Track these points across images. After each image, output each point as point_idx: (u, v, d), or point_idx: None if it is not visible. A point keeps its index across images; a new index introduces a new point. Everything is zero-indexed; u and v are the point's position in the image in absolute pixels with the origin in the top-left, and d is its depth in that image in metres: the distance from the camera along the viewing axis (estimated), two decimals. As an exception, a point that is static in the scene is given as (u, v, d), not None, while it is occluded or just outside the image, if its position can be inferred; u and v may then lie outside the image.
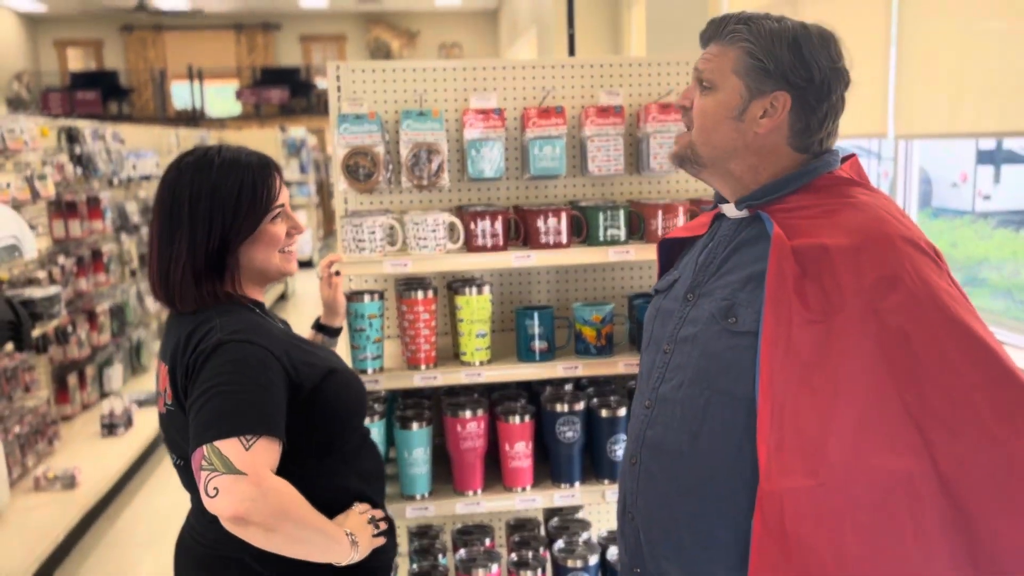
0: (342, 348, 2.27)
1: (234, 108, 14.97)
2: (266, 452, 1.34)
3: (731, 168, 1.34)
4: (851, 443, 1.16)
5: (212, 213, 1.48)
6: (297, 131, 11.75)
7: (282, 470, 1.39)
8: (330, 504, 1.48)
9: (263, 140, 9.22)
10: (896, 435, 1.15)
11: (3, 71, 13.35)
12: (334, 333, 1.96)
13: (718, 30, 1.33)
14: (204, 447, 1.31)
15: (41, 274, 4.40)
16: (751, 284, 1.29)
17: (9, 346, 3.53)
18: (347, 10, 14.94)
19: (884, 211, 1.26)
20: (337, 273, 2.00)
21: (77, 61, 15.16)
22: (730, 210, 1.39)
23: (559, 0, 8.50)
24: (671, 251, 1.61)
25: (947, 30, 3.73)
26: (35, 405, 4.29)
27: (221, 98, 15.40)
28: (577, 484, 2.21)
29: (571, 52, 2.66)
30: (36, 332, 3.84)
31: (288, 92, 14.26)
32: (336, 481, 1.53)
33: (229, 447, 1.31)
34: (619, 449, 2.20)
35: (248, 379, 1.37)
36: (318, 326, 1.96)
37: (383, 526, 1.55)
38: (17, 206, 4.21)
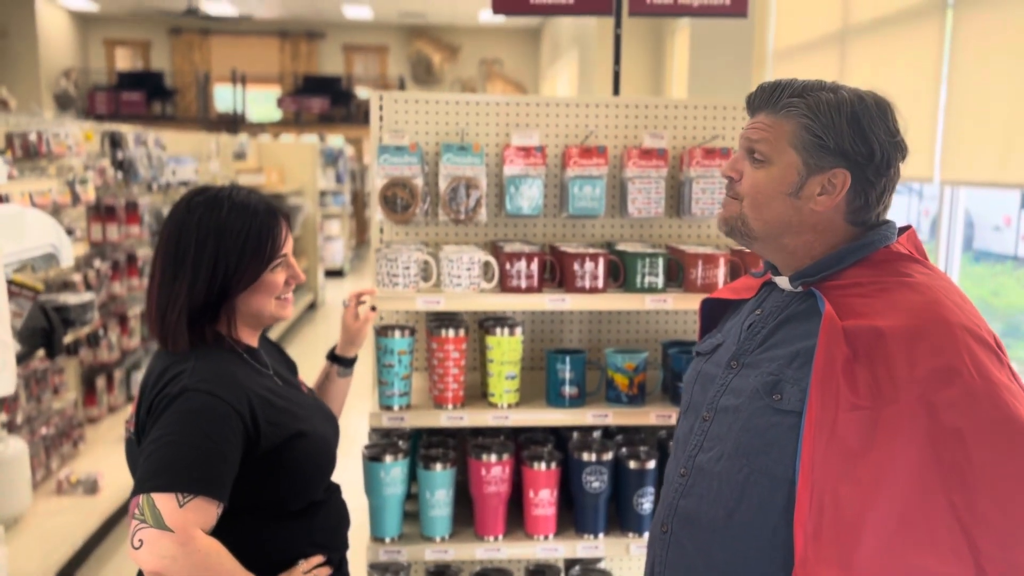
0: (366, 382, 2.24)
1: (274, 113, 15.13)
2: (200, 512, 1.33)
3: (784, 243, 1.30)
4: (890, 539, 1.11)
5: (216, 258, 1.48)
6: (335, 140, 11.83)
7: (227, 526, 1.39)
8: (276, 562, 1.48)
9: (301, 148, 9.28)
10: (940, 537, 1.09)
11: (53, 68, 13.62)
12: (349, 363, 1.90)
13: (770, 99, 1.28)
14: (141, 496, 1.32)
15: (76, 277, 4.43)
16: (798, 360, 1.24)
17: (40, 351, 3.55)
18: (391, 22, 15.06)
19: (943, 294, 1.20)
20: (373, 308, 1.98)
21: (125, 61, 15.42)
22: (783, 282, 1.35)
23: (601, 24, 8.49)
24: (713, 310, 1.57)
25: (999, 77, 3.64)
26: (62, 407, 4.32)
27: (262, 103, 15.58)
28: (601, 535, 2.16)
29: (616, 91, 2.62)
30: (68, 338, 3.87)
31: (328, 101, 14.38)
32: (282, 539, 1.51)
33: (164, 501, 1.31)
34: (646, 502, 2.15)
35: (202, 433, 1.36)
36: (332, 356, 1.90)
37: None
38: (57, 210, 4.26)
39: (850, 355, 1.17)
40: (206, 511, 1.34)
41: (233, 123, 13.57)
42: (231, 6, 13.71)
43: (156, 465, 1.33)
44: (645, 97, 2.47)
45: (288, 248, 1.57)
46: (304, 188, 8.95)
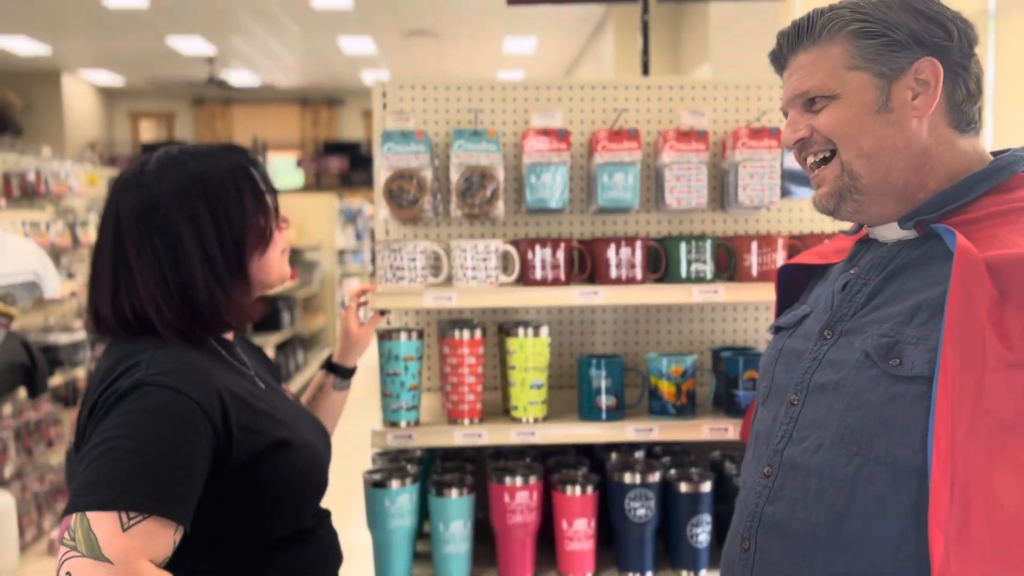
0: (370, 394, 1.95)
1: (296, 181, 15.20)
2: (150, 537, 1.02)
3: (893, 179, 1.03)
4: None
5: (215, 217, 1.22)
6: (354, 200, 11.79)
7: (191, 559, 1.11)
8: None
9: (319, 202, 9.20)
10: None
11: (78, 140, 13.82)
12: (347, 374, 1.67)
13: (802, 33, 1.06)
14: (74, 516, 1.00)
15: (78, 323, 4.22)
16: (922, 315, 0.96)
17: (24, 393, 3.30)
18: (410, 87, 15.24)
19: None
20: (382, 312, 1.74)
21: (149, 132, 15.66)
22: (888, 231, 1.07)
23: (622, 77, 8.40)
24: (792, 281, 1.28)
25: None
26: (58, 462, 4.04)
27: (284, 170, 15.68)
28: (649, 574, 1.81)
29: (645, 73, 2.38)
30: (58, 380, 3.61)
31: (348, 163, 14.44)
32: (264, 572, 1.22)
33: (102, 523, 0.99)
34: (702, 533, 1.80)
35: (159, 437, 1.06)
36: (328, 365, 1.67)
37: None
38: (57, 251, 4.08)
39: (997, 296, 0.88)
40: (159, 537, 1.03)
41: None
42: (253, 76, 13.91)
43: (96, 476, 1.03)
44: (679, 77, 2.21)
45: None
46: (322, 243, 8.81)
